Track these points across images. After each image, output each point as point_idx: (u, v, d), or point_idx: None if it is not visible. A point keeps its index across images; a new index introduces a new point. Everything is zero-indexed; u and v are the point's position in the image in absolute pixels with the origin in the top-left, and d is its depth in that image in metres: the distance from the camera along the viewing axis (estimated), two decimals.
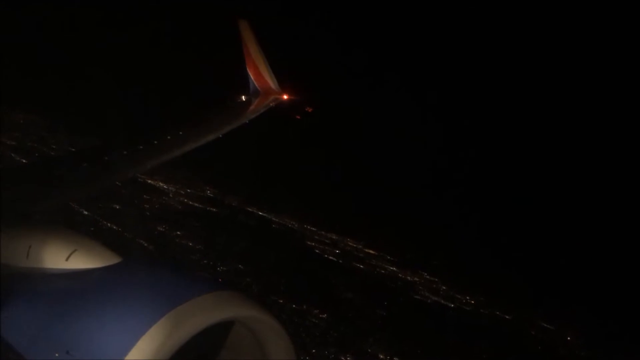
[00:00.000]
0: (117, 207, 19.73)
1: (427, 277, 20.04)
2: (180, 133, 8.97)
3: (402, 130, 25.07)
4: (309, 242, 21.01)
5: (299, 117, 14.90)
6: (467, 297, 19.39)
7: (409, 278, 20.08)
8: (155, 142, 8.32)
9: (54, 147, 22.07)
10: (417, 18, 28.07)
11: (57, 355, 3.18)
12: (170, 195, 22.00)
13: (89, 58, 25.92)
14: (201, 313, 3.22)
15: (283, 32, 22.91)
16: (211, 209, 21.86)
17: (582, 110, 25.57)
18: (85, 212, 18.16)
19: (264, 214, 21.95)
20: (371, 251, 20.83)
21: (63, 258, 3.90)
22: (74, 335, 3.24)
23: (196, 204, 21.97)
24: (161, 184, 22.19)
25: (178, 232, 19.69)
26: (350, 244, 21.09)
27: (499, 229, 21.75)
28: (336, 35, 26.92)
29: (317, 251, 20.69)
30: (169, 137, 8.68)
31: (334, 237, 21.24)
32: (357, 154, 24.42)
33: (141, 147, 8.00)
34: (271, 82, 12.97)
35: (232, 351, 3.64)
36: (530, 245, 21.26)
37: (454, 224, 21.34)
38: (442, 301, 19.38)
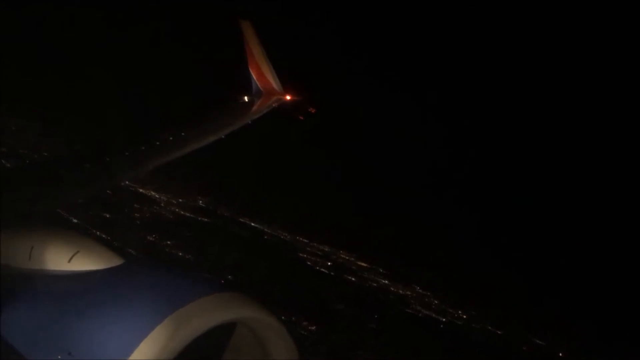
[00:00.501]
0: (107, 216, 19.64)
1: (420, 290, 19.86)
2: (182, 134, 9.00)
3: (402, 130, 25.05)
4: (301, 254, 20.86)
5: (301, 117, 14.89)
6: (459, 312, 19.22)
7: (401, 291, 19.93)
8: (157, 142, 8.34)
9: (45, 154, 21.83)
10: (418, 18, 28.06)
11: (59, 357, 3.19)
12: (162, 205, 21.83)
13: (88, 58, 25.88)
14: (204, 315, 3.23)
15: (283, 32, 22.91)
16: (203, 219, 21.71)
17: (581, 110, 25.56)
18: (75, 220, 18.08)
19: (257, 225, 21.73)
20: (364, 264, 20.63)
21: (65, 260, 3.91)
22: (76, 337, 3.25)
23: (188, 214, 21.83)
24: (152, 192, 22.01)
25: (168, 242, 19.62)
26: (343, 256, 20.88)
27: (497, 230, 21.61)
28: (336, 35, 26.90)
29: (309, 263, 20.55)
30: (170, 138, 8.70)
31: (327, 249, 21.02)
32: (357, 154, 24.39)
33: (143, 147, 8.01)
34: (274, 83, 13.00)
35: (235, 352, 3.66)
36: (529, 248, 21.08)
37: (451, 227, 21.18)
38: (434, 315, 19.21)
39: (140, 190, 21.82)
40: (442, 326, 18.78)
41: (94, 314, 3.28)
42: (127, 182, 18.53)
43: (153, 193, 22.02)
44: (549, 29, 26.32)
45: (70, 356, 3.15)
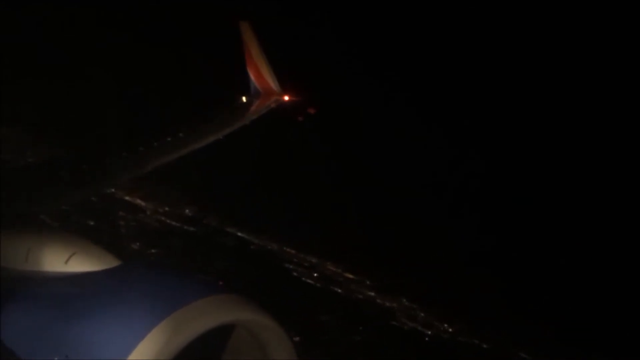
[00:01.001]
0: (92, 224, 19.51)
1: (406, 303, 19.64)
2: (180, 135, 9.03)
3: (402, 131, 25.03)
4: (287, 265, 20.71)
5: (300, 118, 14.89)
6: (446, 325, 18.97)
7: (387, 304, 19.71)
8: (155, 143, 8.37)
9: (30, 160, 21.51)
10: (418, 17, 28.06)
11: (56, 358, 3.18)
12: (148, 213, 21.68)
13: (88, 58, 25.88)
14: (202, 317, 3.23)
15: (283, 32, 22.91)
16: (189, 228, 21.51)
17: (582, 111, 25.53)
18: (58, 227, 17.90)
19: (244, 235, 21.47)
20: (351, 275, 20.42)
21: (62, 261, 3.91)
22: (72, 338, 3.24)
23: (174, 223, 21.63)
24: (139, 200, 21.79)
25: (153, 250, 19.55)
26: (330, 267, 20.67)
27: (494, 235, 21.32)
28: (336, 35, 26.88)
29: (295, 274, 20.41)
30: (168, 139, 8.74)
31: (314, 261, 20.80)
32: (357, 154, 24.36)
33: (141, 149, 8.05)
34: (272, 83, 13.06)
35: (233, 354, 3.66)
36: (526, 256, 20.79)
37: (449, 230, 20.95)
38: (420, 328, 18.94)
39: (126, 197, 21.64)
40: (427, 339, 18.61)
41: (91, 316, 3.27)
42: (112, 190, 18.43)
43: (139, 201, 21.82)
44: (549, 29, 26.31)
45: (67, 358, 3.14)
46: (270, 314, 3.57)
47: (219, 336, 3.51)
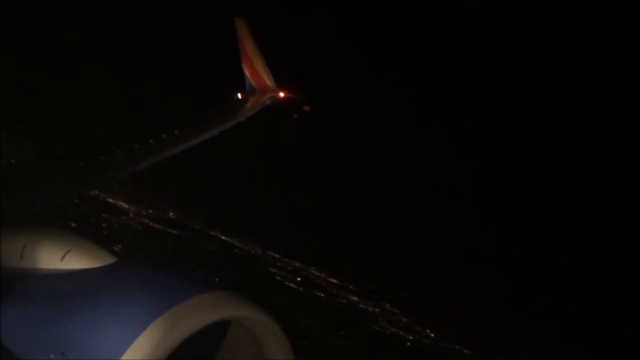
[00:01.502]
0: (73, 225, 19.40)
1: (389, 308, 19.57)
2: (175, 132, 9.04)
3: (401, 130, 25.00)
4: (270, 269, 20.60)
5: (296, 115, 14.84)
6: (427, 330, 18.88)
7: (370, 309, 19.64)
8: (151, 141, 8.38)
9: (29, 160, 21.36)
10: (418, 17, 28.03)
11: (52, 356, 3.17)
12: (131, 215, 21.52)
13: (89, 58, 25.84)
14: (198, 313, 3.22)
15: (283, 32, 22.88)
16: (172, 231, 21.38)
17: (581, 112, 25.49)
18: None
19: (227, 238, 21.31)
20: (334, 280, 20.31)
21: (57, 258, 3.89)
22: (69, 336, 3.23)
23: (157, 226, 21.49)
24: (122, 203, 21.62)
25: (134, 254, 19.43)
26: (313, 272, 20.55)
27: (495, 234, 21.19)
28: (336, 35, 26.85)
29: (278, 278, 20.30)
30: (164, 136, 8.75)
31: (297, 265, 20.70)
32: (357, 155, 24.31)
33: (136, 146, 8.06)
34: (267, 80, 13.03)
35: (230, 351, 3.65)
36: (518, 262, 20.60)
37: (449, 230, 20.81)
38: (401, 333, 18.87)
39: (110, 200, 21.50)
40: (408, 344, 18.50)
41: (87, 313, 3.26)
42: (96, 192, 18.30)
43: (122, 204, 21.65)
44: (549, 29, 26.27)
45: (63, 356, 3.13)
46: (267, 311, 3.55)
47: (215, 334, 3.49)
